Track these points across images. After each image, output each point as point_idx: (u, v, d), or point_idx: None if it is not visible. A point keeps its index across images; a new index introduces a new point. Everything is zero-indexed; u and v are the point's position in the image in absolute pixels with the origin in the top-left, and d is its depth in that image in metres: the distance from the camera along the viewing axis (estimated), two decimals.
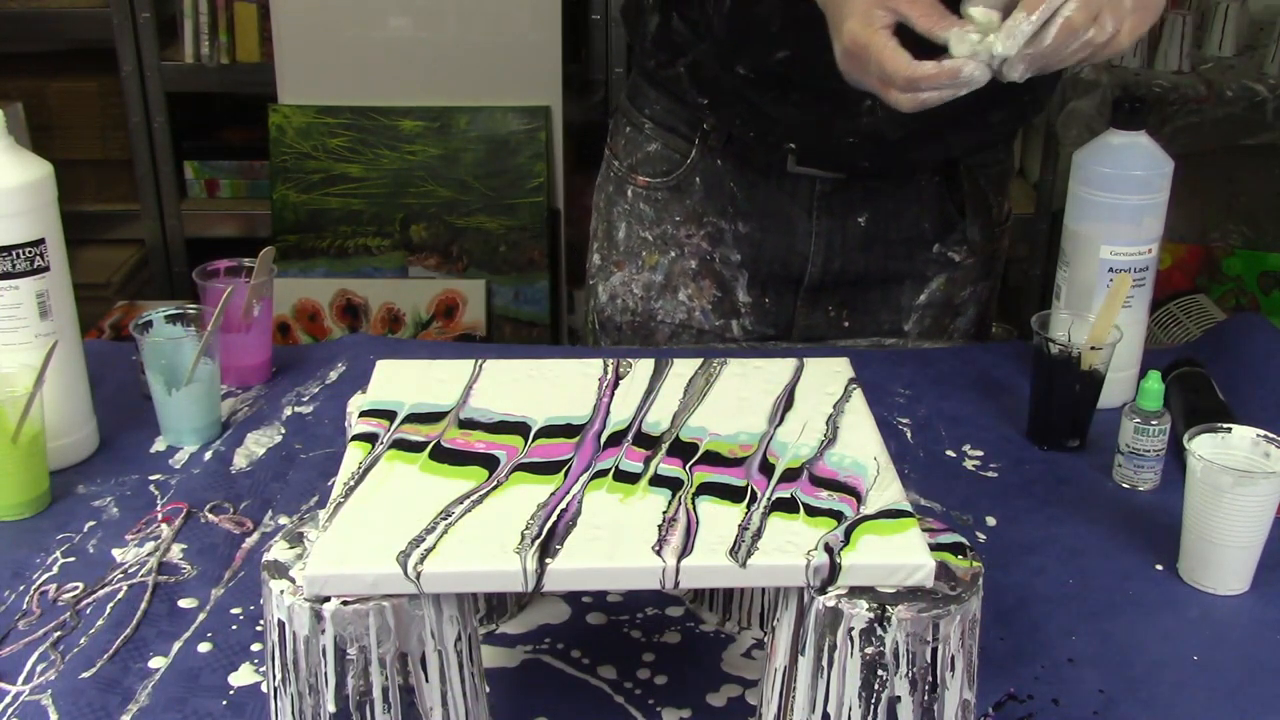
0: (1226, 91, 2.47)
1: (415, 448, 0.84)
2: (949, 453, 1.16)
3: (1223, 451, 0.97)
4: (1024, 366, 1.22)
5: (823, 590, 0.73)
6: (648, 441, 0.85)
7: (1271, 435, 0.97)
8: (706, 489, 0.80)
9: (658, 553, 0.74)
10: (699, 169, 1.33)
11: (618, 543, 0.74)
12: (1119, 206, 1.16)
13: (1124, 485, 1.11)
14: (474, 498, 0.78)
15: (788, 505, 0.78)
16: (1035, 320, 1.15)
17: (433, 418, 0.88)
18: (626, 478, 0.81)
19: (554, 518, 0.77)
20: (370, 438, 0.85)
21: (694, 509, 0.78)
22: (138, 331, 1.15)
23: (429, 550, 0.73)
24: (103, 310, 2.53)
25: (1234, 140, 2.50)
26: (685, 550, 0.74)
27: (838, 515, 0.77)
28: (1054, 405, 1.15)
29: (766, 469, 0.82)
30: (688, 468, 0.82)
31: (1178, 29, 2.54)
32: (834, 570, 0.73)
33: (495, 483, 0.80)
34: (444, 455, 0.83)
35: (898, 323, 1.38)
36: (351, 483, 0.80)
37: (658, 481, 0.81)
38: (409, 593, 0.72)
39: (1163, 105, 2.44)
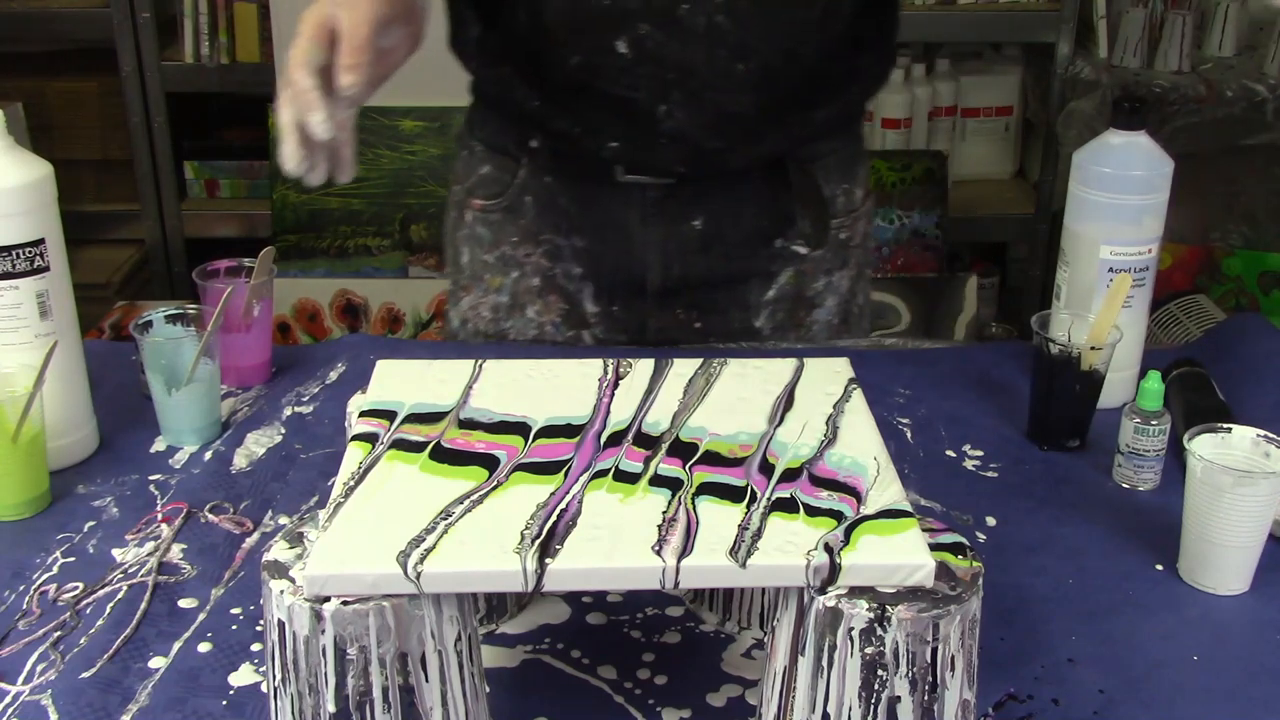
0: (1226, 91, 2.47)
1: (415, 448, 0.84)
2: (949, 453, 1.16)
3: (1223, 451, 0.97)
4: (1024, 366, 1.22)
5: (823, 590, 0.73)
6: (648, 441, 0.85)
7: (1271, 435, 0.97)
8: (706, 489, 0.80)
9: (658, 553, 0.74)
10: (529, 188, 1.30)
11: (618, 543, 0.74)
12: (1119, 206, 1.16)
13: (1124, 485, 1.11)
14: (474, 498, 0.78)
15: (788, 505, 0.78)
16: (1035, 320, 1.15)
17: (433, 418, 0.88)
18: (626, 478, 0.81)
19: (554, 518, 0.77)
20: (370, 438, 0.85)
21: (694, 509, 0.78)
22: (138, 331, 1.15)
23: (429, 550, 0.73)
24: (103, 310, 2.53)
25: (1234, 140, 2.50)
26: (685, 550, 0.74)
27: (838, 515, 0.77)
28: (1054, 405, 1.15)
29: (766, 469, 0.82)
30: (687, 468, 0.82)
31: (1178, 29, 2.54)
32: (834, 570, 0.73)
33: (495, 483, 0.80)
34: (444, 455, 0.83)
35: (748, 320, 1.35)
36: (351, 483, 0.80)
37: (658, 481, 0.81)
38: (409, 593, 0.72)
39: (1163, 105, 2.45)
